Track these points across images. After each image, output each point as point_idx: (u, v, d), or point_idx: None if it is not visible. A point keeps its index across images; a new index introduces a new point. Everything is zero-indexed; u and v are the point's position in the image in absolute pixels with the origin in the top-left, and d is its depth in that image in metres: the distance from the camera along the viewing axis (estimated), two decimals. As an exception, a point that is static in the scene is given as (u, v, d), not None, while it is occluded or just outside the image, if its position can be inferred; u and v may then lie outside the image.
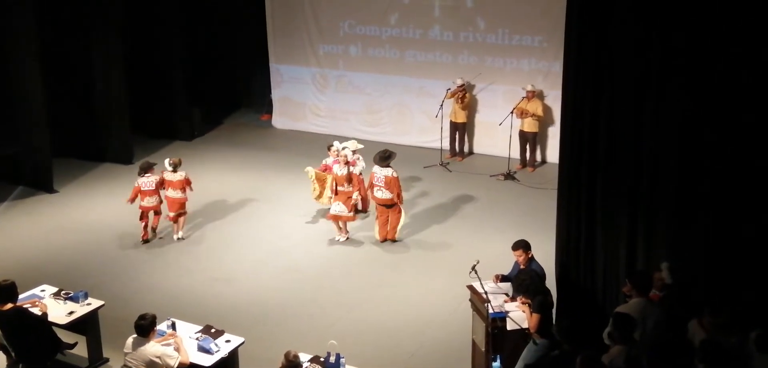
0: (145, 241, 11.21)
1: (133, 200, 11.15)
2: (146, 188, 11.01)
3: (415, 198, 12.49)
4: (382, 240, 11.07)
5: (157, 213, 11.24)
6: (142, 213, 11.15)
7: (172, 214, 11.20)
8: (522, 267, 7.79)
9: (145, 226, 11.20)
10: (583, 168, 7.71)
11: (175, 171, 11.07)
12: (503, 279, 8.00)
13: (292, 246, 11.12)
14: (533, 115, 13.52)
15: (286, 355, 6.63)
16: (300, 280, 10.22)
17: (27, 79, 12.79)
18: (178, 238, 11.29)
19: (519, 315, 7.34)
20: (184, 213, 11.33)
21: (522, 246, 7.81)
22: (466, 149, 14.64)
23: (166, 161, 11.19)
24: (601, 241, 7.78)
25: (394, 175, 10.77)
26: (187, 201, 11.28)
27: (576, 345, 6.26)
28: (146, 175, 11.06)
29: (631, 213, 7.50)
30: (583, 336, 6.44)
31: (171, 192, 11.10)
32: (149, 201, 11.06)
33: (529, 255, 7.79)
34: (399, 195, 10.87)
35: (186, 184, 11.16)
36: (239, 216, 12.16)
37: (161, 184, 11.10)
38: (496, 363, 7.40)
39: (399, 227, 11.02)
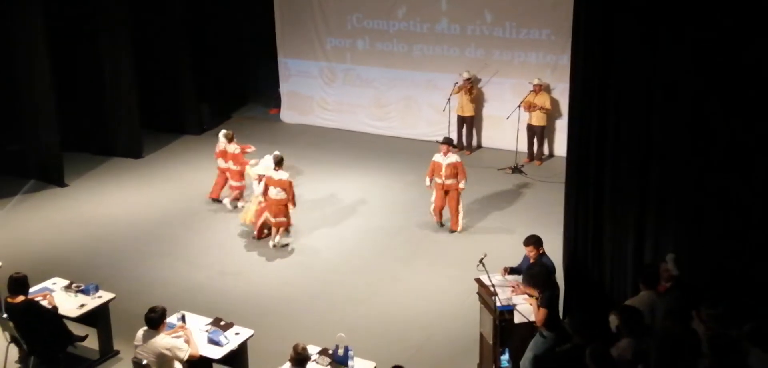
0: (213, 200, 12.18)
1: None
2: (216, 150, 12.04)
3: (423, 192, 12.48)
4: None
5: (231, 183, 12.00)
6: (219, 172, 12.14)
7: (233, 184, 11.91)
8: (532, 262, 7.80)
9: (216, 184, 12.16)
10: (591, 161, 7.70)
11: (230, 142, 11.80)
12: (511, 271, 8.01)
13: (300, 239, 11.16)
14: (541, 109, 13.50)
15: (295, 348, 6.67)
16: (308, 273, 10.27)
17: (36, 74, 12.85)
18: (232, 208, 11.99)
19: (526, 308, 7.36)
20: (237, 187, 11.90)
21: (533, 241, 7.80)
22: (473, 143, 14.64)
23: (221, 133, 12.00)
24: (608, 235, 7.78)
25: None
26: (241, 173, 11.81)
27: (587, 339, 6.28)
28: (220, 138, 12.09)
29: (639, 206, 7.50)
30: (595, 330, 6.45)
31: (230, 164, 11.81)
32: (219, 163, 12.01)
33: (540, 252, 7.79)
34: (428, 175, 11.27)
35: (237, 158, 11.76)
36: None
37: (225, 153, 11.87)
38: (505, 356, 7.42)
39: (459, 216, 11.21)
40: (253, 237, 11.01)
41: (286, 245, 10.89)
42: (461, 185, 10.97)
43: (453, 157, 10.93)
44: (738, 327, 6.28)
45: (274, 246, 10.81)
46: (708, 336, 6.17)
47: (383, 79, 15.35)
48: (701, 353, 6.19)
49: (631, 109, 7.35)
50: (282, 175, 10.57)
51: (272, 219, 10.69)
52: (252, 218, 11.05)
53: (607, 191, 7.70)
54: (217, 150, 12.05)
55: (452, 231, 11.13)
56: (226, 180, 12.08)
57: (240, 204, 11.94)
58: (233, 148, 11.79)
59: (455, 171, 10.91)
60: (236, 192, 12.01)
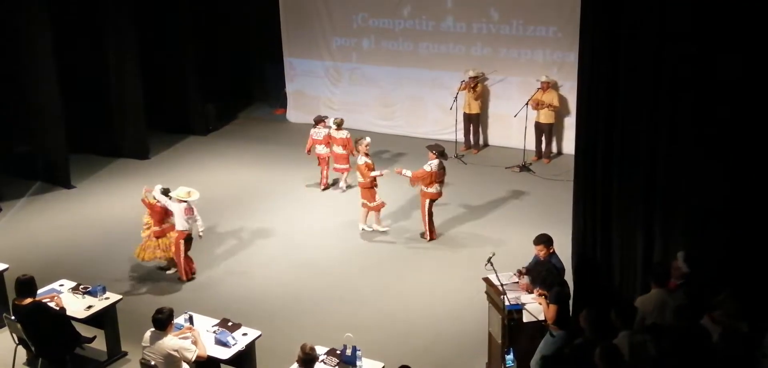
0: (324, 189, 12.62)
1: (309, 150, 12.67)
2: (317, 137, 12.50)
3: (430, 191, 12.48)
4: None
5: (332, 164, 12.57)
6: (318, 160, 12.63)
7: (339, 166, 12.45)
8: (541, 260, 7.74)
9: (321, 174, 12.64)
10: (599, 159, 7.67)
11: (339, 129, 12.30)
12: (527, 271, 7.89)
13: (307, 239, 11.15)
14: (549, 106, 13.45)
15: (303, 348, 6.65)
16: (315, 274, 10.25)
17: (42, 77, 12.86)
18: (343, 190, 12.56)
19: (535, 307, 7.32)
20: (342, 169, 12.45)
21: (543, 240, 7.75)
22: (481, 141, 14.60)
23: (331, 120, 12.43)
24: (617, 232, 7.74)
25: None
26: (347, 157, 12.32)
27: (600, 335, 6.24)
28: (318, 126, 12.52)
29: (648, 204, 7.46)
30: (608, 327, 6.43)
31: (336, 148, 12.36)
32: (321, 150, 12.50)
33: (551, 251, 7.74)
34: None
35: (348, 142, 12.21)
36: (254, 210, 12.20)
37: (329, 139, 12.38)
38: (510, 356, 7.37)
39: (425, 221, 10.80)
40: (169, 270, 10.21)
41: (383, 231, 11.12)
42: (405, 172, 10.72)
43: (426, 163, 10.61)
44: (752, 321, 6.25)
45: (365, 230, 11.14)
46: (720, 332, 6.13)
47: (389, 78, 15.33)
48: (712, 349, 6.15)
49: (638, 106, 7.31)
50: (360, 160, 10.87)
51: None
52: (159, 254, 9.97)
53: (615, 188, 7.66)
54: (321, 137, 12.44)
55: (422, 236, 10.90)
56: (324, 168, 12.58)
57: (342, 184, 12.55)
58: (344, 133, 12.30)
59: (420, 175, 10.59)
60: (340, 175, 12.54)
